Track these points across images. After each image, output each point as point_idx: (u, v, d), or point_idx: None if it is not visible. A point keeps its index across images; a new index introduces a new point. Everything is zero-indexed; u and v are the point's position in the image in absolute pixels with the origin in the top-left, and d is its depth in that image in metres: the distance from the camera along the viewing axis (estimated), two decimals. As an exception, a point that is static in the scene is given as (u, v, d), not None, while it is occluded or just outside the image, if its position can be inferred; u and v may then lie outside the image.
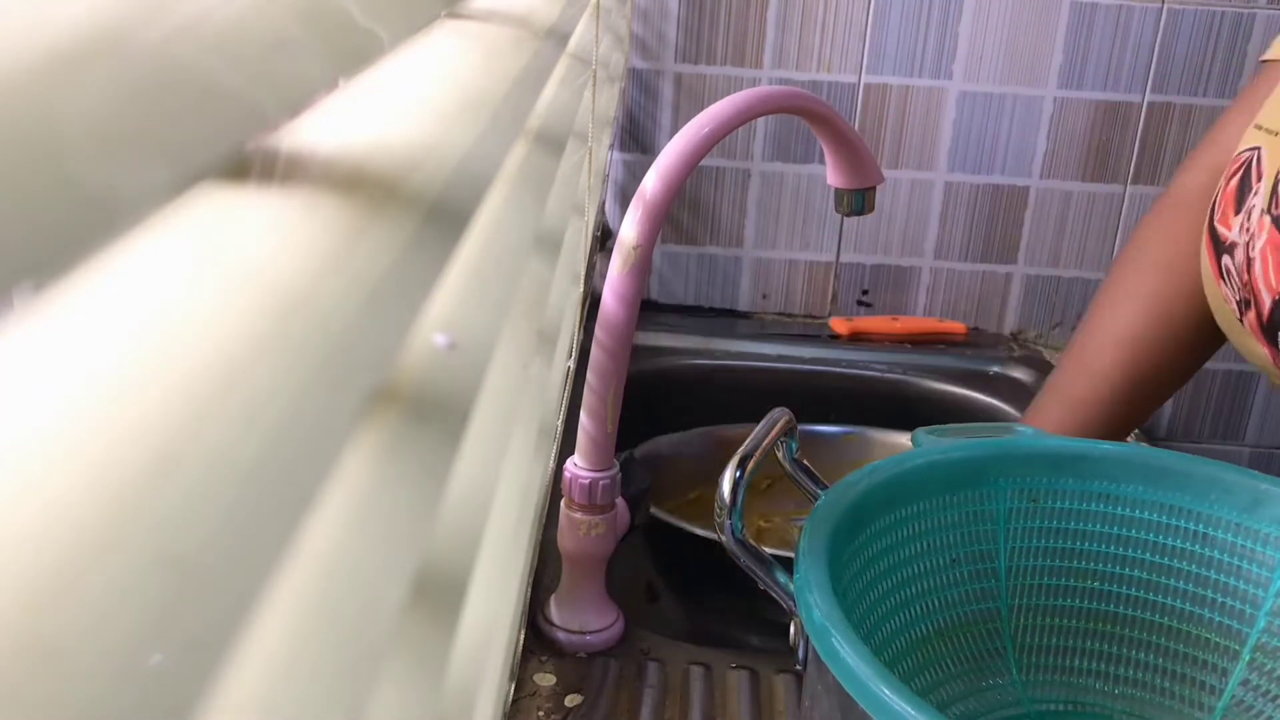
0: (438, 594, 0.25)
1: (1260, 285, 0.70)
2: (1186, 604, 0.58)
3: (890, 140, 1.28)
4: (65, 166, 0.11)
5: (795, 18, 1.23)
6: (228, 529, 0.14)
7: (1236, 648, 0.56)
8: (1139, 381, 0.82)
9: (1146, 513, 0.59)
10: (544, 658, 0.67)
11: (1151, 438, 1.34)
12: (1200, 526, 0.58)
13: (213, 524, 0.14)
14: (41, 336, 0.14)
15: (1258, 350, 0.75)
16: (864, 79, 1.26)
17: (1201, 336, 0.84)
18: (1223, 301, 0.76)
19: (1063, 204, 1.30)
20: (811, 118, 0.70)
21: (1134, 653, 0.59)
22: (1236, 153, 0.76)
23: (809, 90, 1.23)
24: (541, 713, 0.62)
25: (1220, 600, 0.57)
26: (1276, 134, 0.72)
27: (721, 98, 0.66)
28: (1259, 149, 0.74)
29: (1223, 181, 0.76)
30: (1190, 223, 0.84)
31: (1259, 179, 0.72)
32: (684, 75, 1.25)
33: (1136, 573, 0.59)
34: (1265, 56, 0.85)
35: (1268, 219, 0.70)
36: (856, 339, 1.28)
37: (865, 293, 1.33)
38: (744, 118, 0.65)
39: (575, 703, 0.63)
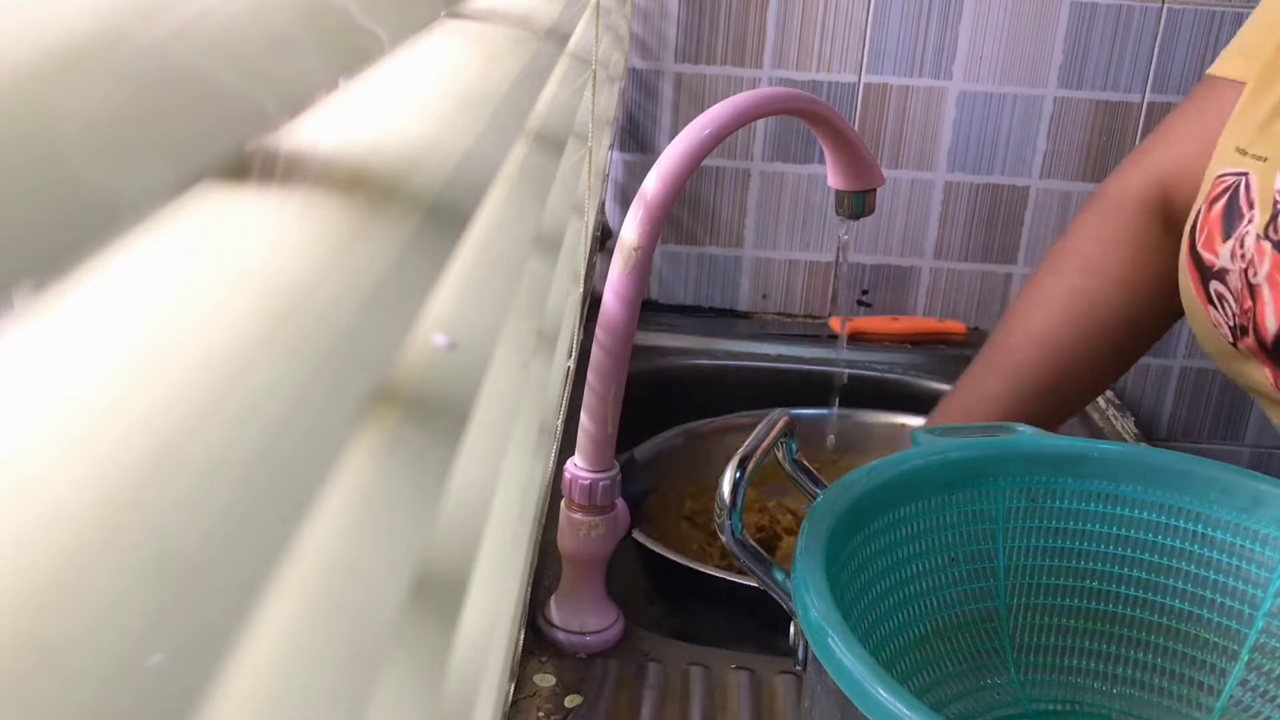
0: (438, 594, 0.25)
1: (1268, 311, 0.70)
2: (1185, 604, 0.58)
3: (890, 140, 1.28)
4: (65, 166, 0.11)
5: (795, 18, 1.23)
6: (227, 529, 0.14)
7: (1235, 648, 0.56)
8: (1055, 383, 0.80)
9: (1145, 513, 0.59)
10: (544, 658, 0.67)
11: (1151, 438, 1.34)
12: (1199, 527, 0.58)
13: (212, 523, 0.14)
14: (41, 336, 0.14)
15: (1254, 375, 0.75)
16: (864, 79, 1.26)
17: (1122, 341, 0.83)
18: (1212, 327, 0.76)
19: (1063, 204, 1.30)
20: (812, 119, 0.70)
21: (1132, 653, 0.59)
22: (1217, 175, 0.75)
23: (809, 90, 1.24)
24: (541, 713, 0.62)
25: (1219, 600, 0.57)
26: (1265, 159, 0.72)
27: (721, 98, 0.66)
28: (1246, 175, 0.73)
29: (1203, 205, 0.76)
30: (1124, 223, 0.83)
31: (1250, 206, 0.72)
32: (684, 75, 1.25)
33: (1135, 573, 0.59)
34: (1212, 71, 0.84)
35: (1268, 245, 0.70)
36: (856, 339, 1.27)
37: (865, 293, 1.33)
38: (745, 119, 0.65)
39: (575, 703, 0.63)
